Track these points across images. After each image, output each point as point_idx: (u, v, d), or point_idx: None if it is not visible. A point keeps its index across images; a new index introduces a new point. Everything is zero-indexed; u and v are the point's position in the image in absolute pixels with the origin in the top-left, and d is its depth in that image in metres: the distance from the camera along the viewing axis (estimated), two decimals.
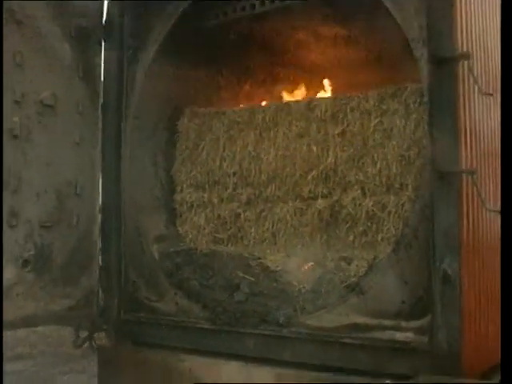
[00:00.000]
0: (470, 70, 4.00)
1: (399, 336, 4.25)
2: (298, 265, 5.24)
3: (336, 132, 5.16)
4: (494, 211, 4.12)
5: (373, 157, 4.97)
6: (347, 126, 5.11)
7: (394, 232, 4.77)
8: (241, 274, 5.21)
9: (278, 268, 5.20)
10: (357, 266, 4.76)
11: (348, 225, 5.10)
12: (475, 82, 4.06)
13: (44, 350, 7.64)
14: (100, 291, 5.54)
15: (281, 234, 5.50)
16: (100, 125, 5.57)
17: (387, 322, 4.33)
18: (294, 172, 5.39)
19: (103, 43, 5.65)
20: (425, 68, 4.18)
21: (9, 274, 4.81)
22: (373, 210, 4.94)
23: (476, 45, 4.26)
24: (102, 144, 5.57)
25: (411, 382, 4.01)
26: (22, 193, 4.96)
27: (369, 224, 4.96)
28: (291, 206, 5.44)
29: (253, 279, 5.14)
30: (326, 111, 5.22)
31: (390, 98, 4.92)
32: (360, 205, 5.02)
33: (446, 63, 4.03)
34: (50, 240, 5.14)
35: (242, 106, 6.48)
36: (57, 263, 5.19)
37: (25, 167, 4.96)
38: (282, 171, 5.47)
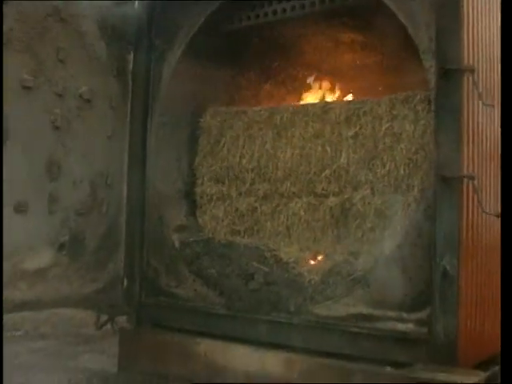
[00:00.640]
0: (475, 82, 4.29)
1: (401, 326, 4.55)
2: (310, 257, 5.53)
3: (349, 134, 5.41)
4: (492, 214, 4.41)
5: (382, 159, 5.22)
6: (360, 129, 5.36)
7: (399, 230, 4.98)
8: (256, 265, 5.46)
9: (291, 260, 5.44)
10: (364, 260, 5.01)
11: (357, 221, 5.34)
12: (479, 93, 4.34)
13: (66, 331, 7.96)
14: (124, 276, 5.84)
15: (294, 227, 5.74)
16: (129, 120, 5.86)
17: (390, 313, 4.62)
18: (309, 170, 5.64)
19: (134, 43, 5.94)
20: (433, 78, 4.48)
21: (46, 256, 5.12)
22: (381, 209, 5.20)
23: (481, 58, 4.54)
24: (130, 138, 5.87)
25: (409, 369, 4.29)
26: (61, 181, 5.23)
27: (376, 221, 5.22)
28: (305, 201, 5.68)
29: (267, 269, 5.40)
30: (341, 114, 5.47)
31: (401, 104, 5.17)
32: (369, 203, 5.27)
33: (452, 75, 4.33)
34: (83, 226, 5.42)
35: (262, 105, 6.75)
36: (88, 248, 5.48)
37: (64, 157, 5.24)
38: (298, 169, 5.71)
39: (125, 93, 5.83)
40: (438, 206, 4.37)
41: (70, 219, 5.33)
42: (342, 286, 4.98)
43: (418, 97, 5.05)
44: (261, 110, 6.10)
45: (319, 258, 5.49)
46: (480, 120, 4.50)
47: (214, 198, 6.19)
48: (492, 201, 4.66)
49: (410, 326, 4.51)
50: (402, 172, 5.11)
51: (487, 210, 4.44)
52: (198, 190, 6.28)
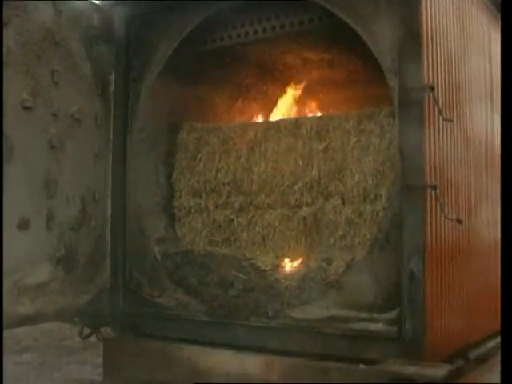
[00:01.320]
0: (435, 99, 4.64)
1: (372, 326, 4.83)
2: (285, 265, 5.80)
3: (320, 148, 5.70)
4: (453, 220, 4.76)
5: (351, 170, 5.52)
6: (329, 142, 5.67)
7: (369, 236, 5.32)
8: (234, 273, 5.71)
9: (268, 267, 5.71)
10: (336, 265, 5.28)
11: (329, 230, 5.64)
12: (439, 109, 4.69)
13: (48, 343, 8.11)
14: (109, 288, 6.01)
15: (270, 237, 6.00)
16: (112, 137, 6.05)
17: (362, 315, 4.90)
18: (282, 183, 5.91)
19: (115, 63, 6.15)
20: (396, 95, 4.81)
21: (45, 271, 5.28)
22: (351, 217, 5.50)
23: (440, 76, 4.89)
24: (113, 154, 6.05)
25: (381, 364, 4.59)
26: (57, 198, 5.41)
27: (347, 229, 5.51)
28: (279, 212, 5.95)
29: (245, 277, 5.64)
30: (311, 129, 5.77)
31: (368, 119, 5.51)
32: (340, 212, 5.57)
33: (413, 93, 4.66)
34: (75, 241, 5.59)
35: (234, 120, 7.05)
36: (80, 262, 5.64)
37: (59, 175, 5.41)
38: (272, 182, 5.98)
39: (107, 112, 6.01)
40: (404, 213, 4.67)
41: (65, 234, 5.49)
42: (317, 290, 5.24)
43: (383, 112, 5.40)
44: (235, 127, 6.38)
45: (294, 264, 5.75)
46: (441, 133, 4.84)
47: (192, 210, 6.41)
48: (453, 207, 5.01)
49: (380, 326, 4.79)
50: (370, 182, 5.43)
51: (449, 216, 4.77)
52: (177, 203, 6.49)
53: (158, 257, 6.08)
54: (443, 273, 4.87)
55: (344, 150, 5.60)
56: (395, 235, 4.77)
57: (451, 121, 4.86)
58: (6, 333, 5.75)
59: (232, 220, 6.22)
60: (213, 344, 5.54)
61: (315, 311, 5.13)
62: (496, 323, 5.82)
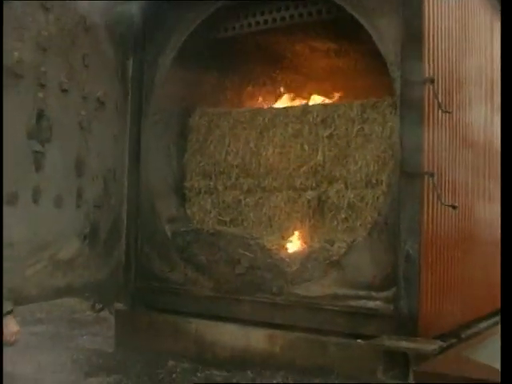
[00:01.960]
0: (434, 91, 4.90)
1: (370, 304, 5.13)
2: (290, 244, 6.07)
3: (325, 134, 5.95)
4: (449, 206, 5.03)
5: (354, 157, 5.78)
6: (334, 130, 5.92)
7: (369, 219, 5.59)
8: (241, 251, 5.93)
9: (273, 247, 5.96)
10: (338, 246, 5.53)
11: (332, 212, 5.91)
12: (438, 101, 4.94)
13: (60, 316, 8.36)
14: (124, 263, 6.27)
15: (276, 218, 6.28)
16: (129, 120, 6.28)
17: (361, 293, 5.20)
18: (289, 166, 6.17)
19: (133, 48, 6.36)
20: (398, 87, 5.07)
21: (74, 247, 5.56)
22: (353, 201, 5.77)
23: (440, 70, 5.13)
24: (129, 137, 6.30)
25: (377, 339, 4.88)
26: (84, 177, 5.67)
27: (349, 212, 5.79)
28: (285, 195, 6.22)
29: (251, 255, 5.87)
30: (318, 116, 6.02)
31: (371, 109, 5.76)
32: (343, 196, 5.83)
33: (414, 85, 4.92)
34: (98, 219, 5.85)
35: (244, 105, 7.27)
36: (101, 239, 5.91)
37: (86, 155, 5.66)
38: (278, 165, 6.24)
39: (125, 95, 6.24)
40: (402, 198, 4.95)
41: (90, 212, 5.76)
42: (319, 269, 5.51)
43: (386, 102, 5.64)
44: (245, 112, 6.62)
45: (298, 245, 6.03)
46: (439, 124, 5.09)
47: (202, 191, 6.68)
48: (450, 194, 5.27)
49: (378, 304, 5.09)
50: (371, 169, 5.69)
51: (445, 202, 5.04)
52: (187, 184, 6.76)
53: (169, 235, 6.34)
54: (438, 255, 5.14)
55: (348, 137, 5.85)
56: (393, 219, 5.05)
57: (449, 112, 5.09)
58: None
59: (240, 201, 6.49)
60: (219, 318, 5.83)
61: (317, 289, 5.42)
62: (488, 306, 6.15)
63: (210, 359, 5.74)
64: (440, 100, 4.96)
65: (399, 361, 4.59)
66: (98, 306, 6.58)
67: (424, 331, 4.88)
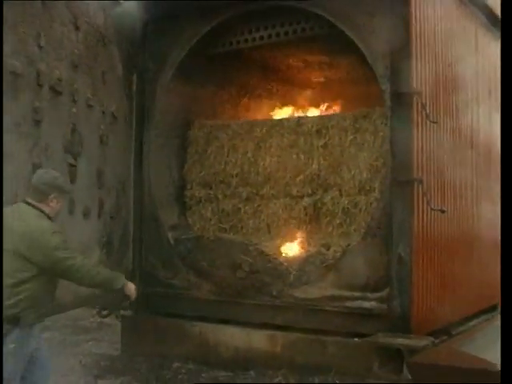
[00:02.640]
0: (422, 103, 5.18)
1: (365, 304, 5.38)
2: (288, 249, 6.29)
3: (319, 144, 6.21)
4: (438, 210, 5.30)
5: (348, 165, 6.03)
6: (328, 139, 6.17)
7: (363, 224, 5.81)
8: (242, 256, 6.15)
9: (272, 252, 6.17)
10: (334, 250, 5.78)
11: (328, 218, 6.15)
12: (426, 112, 5.22)
13: (65, 324, 8.52)
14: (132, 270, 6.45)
15: (274, 224, 6.51)
16: (134, 133, 6.53)
17: (356, 294, 5.44)
18: (285, 175, 6.41)
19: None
20: (388, 98, 5.34)
21: (96, 255, 5.78)
22: (347, 207, 6.01)
23: (428, 83, 5.41)
24: (134, 149, 6.53)
25: (372, 337, 5.14)
26: (104, 188, 5.91)
27: (344, 218, 6.03)
28: (282, 202, 6.46)
29: (251, 260, 6.09)
30: (312, 127, 6.28)
31: (363, 119, 6.02)
32: (337, 203, 6.08)
33: (403, 97, 5.20)
34: (112, 228, 6.08)
35: (240, 116, 7.51)
36: (115, 248, 6.13)
37: (104, 167, 5.89)
38: (276, 174, 6.48)
39: (131, 110, 6.48)
40: (394, 203, 5.23)
41: (107, 222, 5.99)
42: (316, 272, 5.75)
43: (377, 113, 5.90)
44: (242, 124, 6.87)
45: (296, 249, 6.26)
46: (427, 134, 5.36)
47: (203, 200, 6.91)
48: (438, 199, 5.54)
49: (373, 304, 5.34)
50: (364, 176, 5.94)
51: (434, 207, 5.31)
52: (188, 193, 6.98)
53: (172, 242, 6.56)
54: (428, 257, 5.41)
55: (341, 146, 6.10)
56: (386, 223, 5.31)
57: (436, 123, 5.37)
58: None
59: (239, 209, 6.71)
60: (222, 321, 6.04)
61: (315, 291, 5.65)
62: (477, 305, 6.43)
63: (214, 360, 5.93)
64: (427, 111, 5.23)
65: (394, 356, 4.84)
66: (104, 313, 6.72)
67: (416, 329, 5.13)
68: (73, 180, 5.37)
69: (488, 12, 6.89)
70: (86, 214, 5.60)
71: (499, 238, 6.82)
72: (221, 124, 6.98)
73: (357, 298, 5.44)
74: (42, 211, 3.90)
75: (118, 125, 6.18)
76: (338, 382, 5.21)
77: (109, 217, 6.02)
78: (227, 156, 6.81)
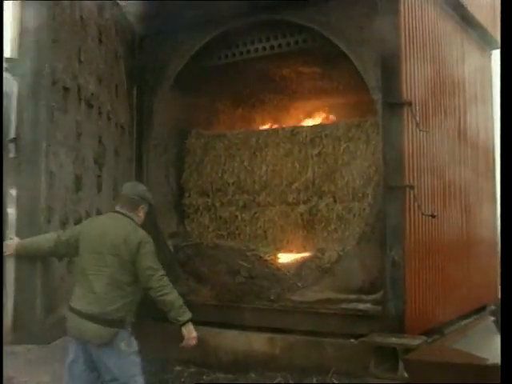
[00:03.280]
0: (412, 113, 5.39)
1: (361, 306, 5.53)
2: (284, 255, 6.49)
3: (314, 153, 6.42)
4: (429, 215, 5.50)
5: (342, 173, 6.24)
6: (322, 148, 6.38)
7: (357, 230, 6.00)
8: (240, 262, 6.31)
9: (269, 257, 6.37)
10: (329, 255, 5.96)
11: (323, 224, 6.34)
12: (416, 121, 5.43)
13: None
14: None
15: (270, 231, 6.69)
16: (134, 144, 6.66)
17: (352, 296, 5.60)
18: (281, 183, 6.61)
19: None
20: (379, 108, 5.54)
21: None
22: (342, 213, 6.22)
23: (418, 93, 5.62)
24: (134, 159, 6.65)
25: (367, 337, 5.30)
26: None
27: (338, 224, 6.23)
28: (278, 209, 6.65)
29: (249, 266, 6.26)
30: (306, 136, 6.49)
31: (355, 128, 6.24)
32: (332, 209, 6.28)
33: (394, 107, 5.40)
34: None
35: (235, 126, 7.69)
36: None
37: (118, 178, 5.96)
38: (272, 182, 6.67)
39: (132, 121, 6.62)
40: (387, 209, 5.40)
41: None
42: (313, 276, 5.92)
43: (369, 122, 6.11)
44: (238, 134, 7.07)
45: (292, 254, 6.45)
46: (418, 142, 5.57)
47: (201, 208, 7.10)
48: (429, 204, 5.73)
49: (368, 306, 5.49)
50: (358, 183, 6.14)
51: (425, 212, 5.51)
52: (186, 201, 7.17)
53: (171, 249, 6.70)
54: (421, 260, 5.60)
55: (335, 154, 6.31)
56: (379, 228, 5.48)
57: (427, 131, 5.58)
58: None
59: (236, 216, 6.90)
60: (222, 325, 6.14)
61: (311, 294, 5.80)
62: (468, 305, 6.64)
63: (214, 363, 6.03)
64: (418, 120, 5.44)
65: (389, 355, 5.00)
66: None
67: (410, 329, 5.30)
68: (99, 190, 5.53)
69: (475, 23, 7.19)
70: None
71: (490, 240, 7.13)
72: (217, 134, 7.18)
73: (352, 301, 5.57)
74: (133, 220, 4.25)
75: (125, 136, 6.33)
76: (335, 381, 5.33)
77: None
78: (224, 165, 7.00)
